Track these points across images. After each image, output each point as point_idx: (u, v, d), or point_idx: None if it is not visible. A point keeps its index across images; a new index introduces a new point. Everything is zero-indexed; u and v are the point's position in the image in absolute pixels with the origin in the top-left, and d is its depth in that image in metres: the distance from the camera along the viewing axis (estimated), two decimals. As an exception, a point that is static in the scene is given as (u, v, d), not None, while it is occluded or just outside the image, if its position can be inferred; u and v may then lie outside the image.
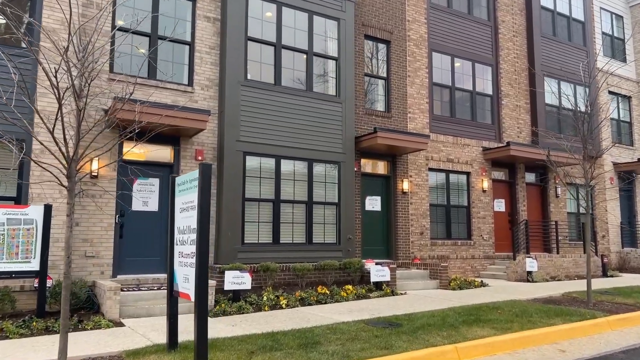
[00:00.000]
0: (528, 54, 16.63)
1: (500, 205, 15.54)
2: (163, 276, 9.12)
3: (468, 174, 14.81)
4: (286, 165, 11.23)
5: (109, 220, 9.36)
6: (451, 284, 11.70)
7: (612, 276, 14.85)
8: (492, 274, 14.11)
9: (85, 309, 8.12)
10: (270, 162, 11.04)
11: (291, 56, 11.65)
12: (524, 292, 10.84)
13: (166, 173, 10.01)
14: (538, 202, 16.49)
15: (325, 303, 9.42)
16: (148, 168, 9.40)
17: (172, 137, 10.04)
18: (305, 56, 11.84)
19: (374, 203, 13.12)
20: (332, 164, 11.87)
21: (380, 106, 13.64)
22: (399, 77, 13.77)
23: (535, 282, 13.01)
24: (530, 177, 16.41)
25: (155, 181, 10.01)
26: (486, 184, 14.93)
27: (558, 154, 15.31)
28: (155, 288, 8.68)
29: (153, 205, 9.96)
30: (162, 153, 10.16)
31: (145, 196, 9.91)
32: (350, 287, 10.28)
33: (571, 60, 17.31)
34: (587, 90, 11.50)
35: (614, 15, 20.11)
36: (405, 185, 13.31)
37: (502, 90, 15.79)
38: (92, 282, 8.82)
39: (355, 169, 12.45)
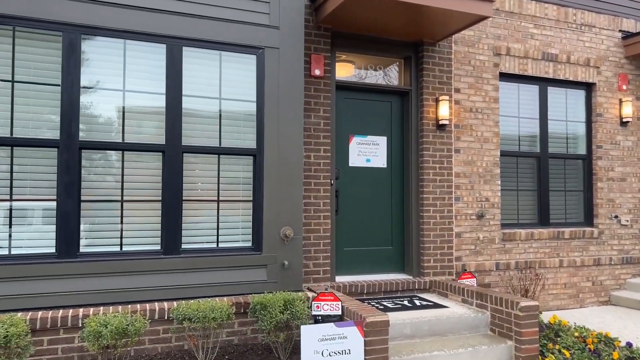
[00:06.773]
0: None
1: (653, 154, 7.66)
2: None
3: (589, 86, 7.07)
4: (105, 48, 4.37)
5: None
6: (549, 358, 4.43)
7: None
8: (639, 301, 6.55)
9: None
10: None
11: None
12: None
13: None
14: None
15: None
16: None
17: None
18: None
19: (369, 151, 5.98)
20: (242, 52, 4.81)
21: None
22: None
23: None
24: None
25: None
26: (629, 110, 7.11)
27: None
28: None
29: None
30: None
31: None
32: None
33: None
34: None
35: None
36: (444, 111, 5.97)
37: None
38: None
39: (317, 73, 5.34)
